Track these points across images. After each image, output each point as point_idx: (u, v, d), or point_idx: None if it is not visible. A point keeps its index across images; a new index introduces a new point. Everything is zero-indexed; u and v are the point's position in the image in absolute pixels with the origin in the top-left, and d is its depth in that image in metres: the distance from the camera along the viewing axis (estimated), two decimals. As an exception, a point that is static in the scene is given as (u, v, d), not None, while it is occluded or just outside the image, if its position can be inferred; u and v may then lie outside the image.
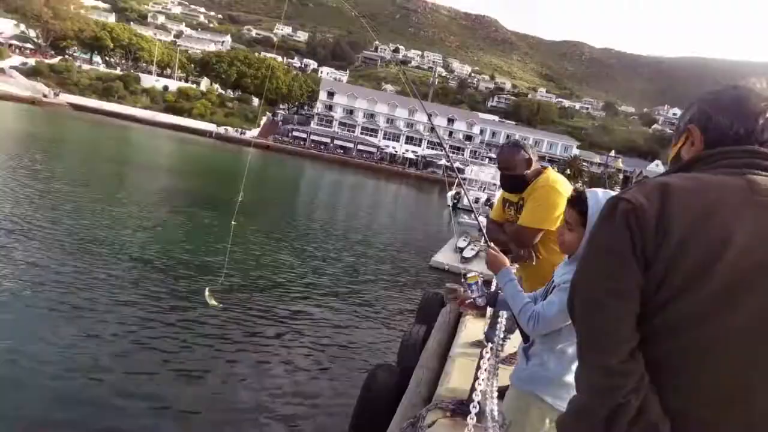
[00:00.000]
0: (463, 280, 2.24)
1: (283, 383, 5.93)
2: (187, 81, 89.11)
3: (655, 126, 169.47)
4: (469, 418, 2.14)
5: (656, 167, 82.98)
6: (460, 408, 2.97)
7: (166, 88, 78.42)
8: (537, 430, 1.81)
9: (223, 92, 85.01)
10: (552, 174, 2.94)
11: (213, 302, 4.08)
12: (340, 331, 7.96)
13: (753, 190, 0.93)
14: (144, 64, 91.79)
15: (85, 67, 78.46)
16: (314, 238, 15.58)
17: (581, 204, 1.77)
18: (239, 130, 71.88)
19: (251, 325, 7.40)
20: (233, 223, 6.88)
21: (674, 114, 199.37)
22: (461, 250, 16.03)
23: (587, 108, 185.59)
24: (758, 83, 1.57)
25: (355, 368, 6.53)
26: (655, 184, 0.96)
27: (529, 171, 2.91)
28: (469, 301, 2.16)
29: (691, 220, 0.90)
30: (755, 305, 0.89)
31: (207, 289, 3.93)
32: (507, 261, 2.03)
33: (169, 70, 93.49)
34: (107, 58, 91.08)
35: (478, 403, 2.19)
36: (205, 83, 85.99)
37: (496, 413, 1.94)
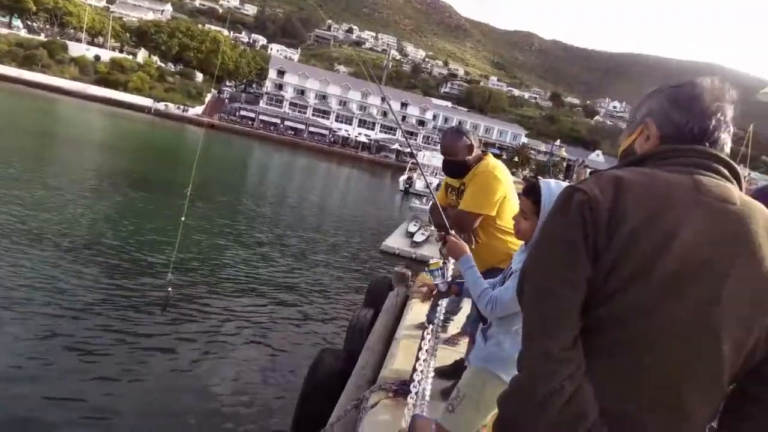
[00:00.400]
0: (426, 268, 2.27)
1: (228, 375, 5.70)
2: (122, 51, 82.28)
3: (597, 118, 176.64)
4: (409, 397, 2.22)
5: (597, 157, 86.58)
6: (402, 388, 3.02)
7: (97, 58, 72.34)
8: (491, 404, 1.88)
9: (162, 65, 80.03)
10: (491, 160, 3.02)
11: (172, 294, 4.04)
12: (288, 318, 7.70)
13: (699, 190, 0.96)
14: (72, 31, 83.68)
15: (3, 31, 70.68)
16: (263, 223, 15.00)
17: (535, 193, 1.84)
18: (181, 106, 68.36)
19: (195, 317, 6.96)
20: (182, 219, 6.17)
21: (614, 107, 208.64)
22: (412, 234, 15.91)
23: (535, 98, 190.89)
24: (712, 82, 1.45)
25: (304, 355, 6.32)
26: (610, 177, 0.98)
27: (470, 157, 2.99)
28: (433, 287, 2.20)
29: (643, 214, 0.92)
30: (699, 297, 0.92)
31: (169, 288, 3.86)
32: (467, 248, 2.07)
33: (101, 39, 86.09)
34: (29, 23, 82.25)
35: (419, 383, 2.25)
36: (142, 55, 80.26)
37: (428, 393, 2.02)
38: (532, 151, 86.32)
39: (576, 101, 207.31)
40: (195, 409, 4.93)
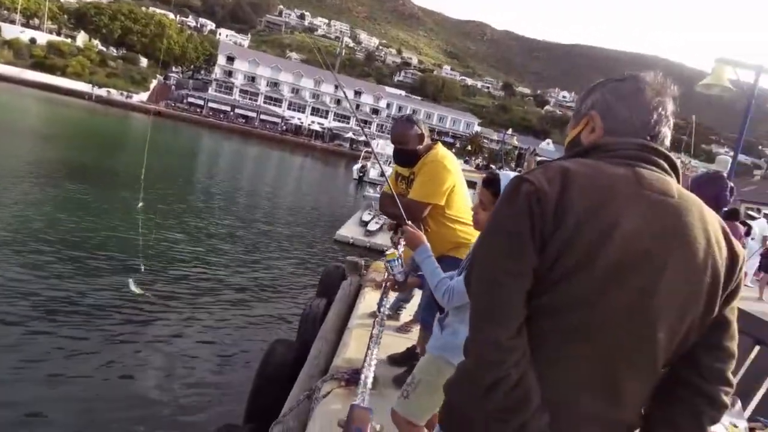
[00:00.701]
0: (383, 258, 2.25)
1: (176, 371, 5.50)
2: (59, 35, 77.91)
3: (547, 107, 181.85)
4: (359, 385, 2.16)
5: (547, 145, 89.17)
6: (353, 377, 3.00)
7: (33, 41, 68.40)
8: None
9: (104, 50, 76.12)
10: (441, 150, 3.02)
11: (137, 290, 3.99)
12: (240, 312, 7.56)
13: (640, 183, 0.99)
14: (6, 12, 78.52)
15: None
16: (214, 214, 14.49)
17: (494, 185, 1.87)
18: (125, 93, 65.25)
19: (141, 313, 6.69)
20: (141, 204, 5.82)
21: (564, 97, 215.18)
22: (366, 223, 15.88)
23: (488, 87, 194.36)
24: (654, 77, 1.52)
25: (257, 348, 6.19)
26: (557, 168, 1.00)
27: (421, 146, 2.98)
28: (389, 277, 2.21)
29: (588, 205, 0.95)
30: (639, 287, 0.95)
31: (131, 281, 3.83)
32: (424, 237, 2.06)
33: (36, 21, 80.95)
34: None
35: (363, 371, 2.23)
36: (82, 38, 76.17)
37: (370, 380, 1.98)
38: (484, 140, 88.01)
39: (527, 91, 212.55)
40: (143, 407, 4.78)
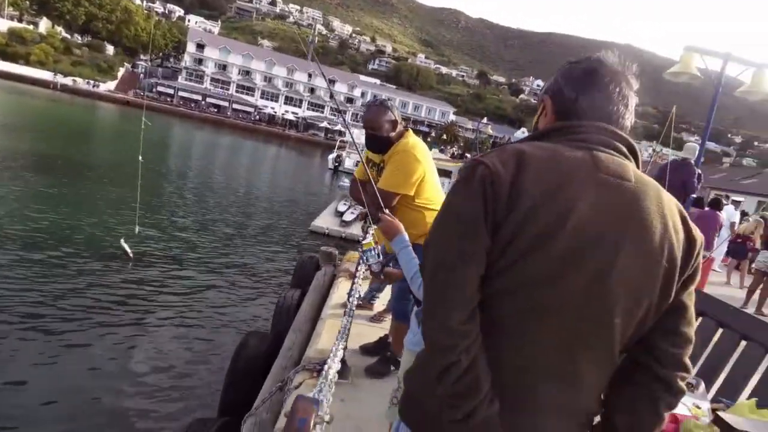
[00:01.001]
0: (359, 248, 2.23)
1: (149, 366, 5.41)
2: (21, 21, 74.88)
3: (522, 96, 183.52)
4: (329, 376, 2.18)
5: (522, 134, 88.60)
6: (324, 368, 2.90)
7: (-8, 27, 65.75)
8: None
9: (68, 37, 73.43)
10: (411, 138, 2.99)
11: (127, 248, 3.79)
12: (215, 305, 7.49)
13: (597, 167, 0.97)
14: (-40, -3, 75.50)
15: None
16: (186, 207, 14.17)
17: None
18: (91, 81, 63.17)
19: (112, 308, 6.58)
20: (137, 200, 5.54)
21: (538, 85, 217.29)
22: (341, 213, 15.80)
23: (463, 76, 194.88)
24: (608, 58, 1.49)
25: (231, 341, 6.13)
26: (513, 150, 1.00)
27: (393, 133, 2.96)
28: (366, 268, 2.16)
29: (543, 188, 0.94)
30: (594, 271, 0.94)
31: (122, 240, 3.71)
32: (402, 227, 2.01)
33: (-6, 7, 78.01)
34: None
35: (340, 361, 2.24)
36: (44, 25, 73.35)
37: (333, 371, 1.98)
38: (460, 129, 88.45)
39: (502, 79, 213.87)
40: (113, 402, 4.68)
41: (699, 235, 1.03)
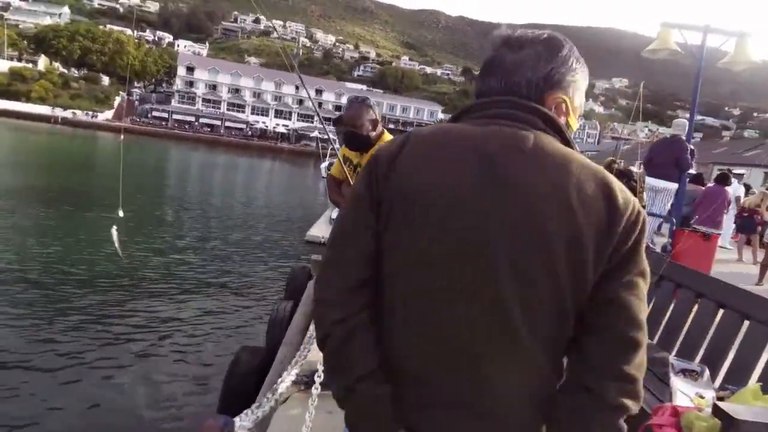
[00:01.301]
0: None
1: (143, 384, 5.26)
2: (20, 60, 78.47)
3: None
4: (313, 388, 2.22)
5: None
6: (312, 380, 2.91)
7: (-6, 69, 69.30)
8: None
9: (65, 71, 77.00)
10: (388, 138, 2.89)
11: (117, 245, 3.56)
12: (211, 319, 7.36)
13: (485, 140, 0.92)
14: (-34, 44, 79.10)
15: None
16: (184, 225, 14.41)
17: None
18: (89, 113, 66.50)
19: (111, 323, 6.64)
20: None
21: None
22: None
23: (448, 74, 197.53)
24: (501, 30, 1.03)
25: (228, 355, 5.76)
26: (406, 134, 1.00)
27: (374, 132, 2.88)
28: None
29: (415, 164, 0.92)
30: (470, 250, 0.88)
31: (114, 228, 3.37)
32: None
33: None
34: None
35: (323, 373, 2.16)
36: (43, 62, 76.92)
37: (317, 380, 2.07)
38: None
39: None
40: (104, 423, 4.51)
41: (628, 213, 0.87)
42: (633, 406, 0.87)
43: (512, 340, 0.88)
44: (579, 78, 1.02)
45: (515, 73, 0.98)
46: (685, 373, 1.88)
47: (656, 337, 2.65)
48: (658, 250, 5.71)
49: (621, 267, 0.88)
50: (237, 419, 1.77)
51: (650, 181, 6.38)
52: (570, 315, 0.89)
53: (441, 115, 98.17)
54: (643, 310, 0.89)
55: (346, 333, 0.93)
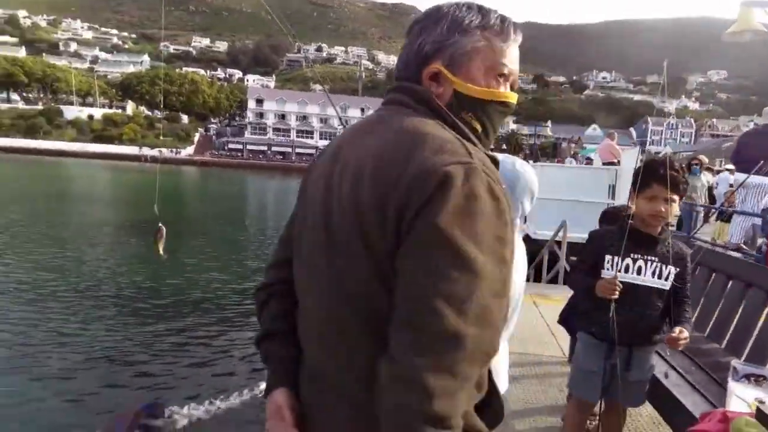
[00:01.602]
0: None
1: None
2: (111, 107, 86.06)
3: (587, 92, 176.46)
4: None
5: (593, 131, 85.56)
6: None
7: (90, 117, 75.87)
8: None
9: (150, 113, 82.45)
10: None
11: (160, 250, 3.73)
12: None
13: (352, 127, 0.95)
14: (64, 96, 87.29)
15: (3, 106, 74.79)
16: (258, 249, 15.19)
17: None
18: (173, 150, 70.10)
19: (127, 345, 6.83)
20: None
21: (603, 78, 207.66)
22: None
23: (519, 82, 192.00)
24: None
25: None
26: None
27: None
28: None
29: (322, 154, 0.99)
30: (304, 234, 0.95)
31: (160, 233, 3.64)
32: None
33: (90, 98, 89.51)
34: (24, 94, 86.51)
35: None
36: (130, 107, 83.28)
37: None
38: (523, 137, 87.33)
39: (561, 79, 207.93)
40: None
41: (415, 181, 0.76)
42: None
43: (345, 325, 0.85)
44: (464, 39, 0.89)
45: (399, 58, 0.97)
46: (749, 378, 1.75)
47: (746, 350, 2.42)
48: (754, 252, 5.24)
49: (408, 239, 0.76)
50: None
51: (739, 177, 6.03)
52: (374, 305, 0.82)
53: (512, 126, 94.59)
54: (423, 285, 0.73)
55: (263, 299, 1.05)
